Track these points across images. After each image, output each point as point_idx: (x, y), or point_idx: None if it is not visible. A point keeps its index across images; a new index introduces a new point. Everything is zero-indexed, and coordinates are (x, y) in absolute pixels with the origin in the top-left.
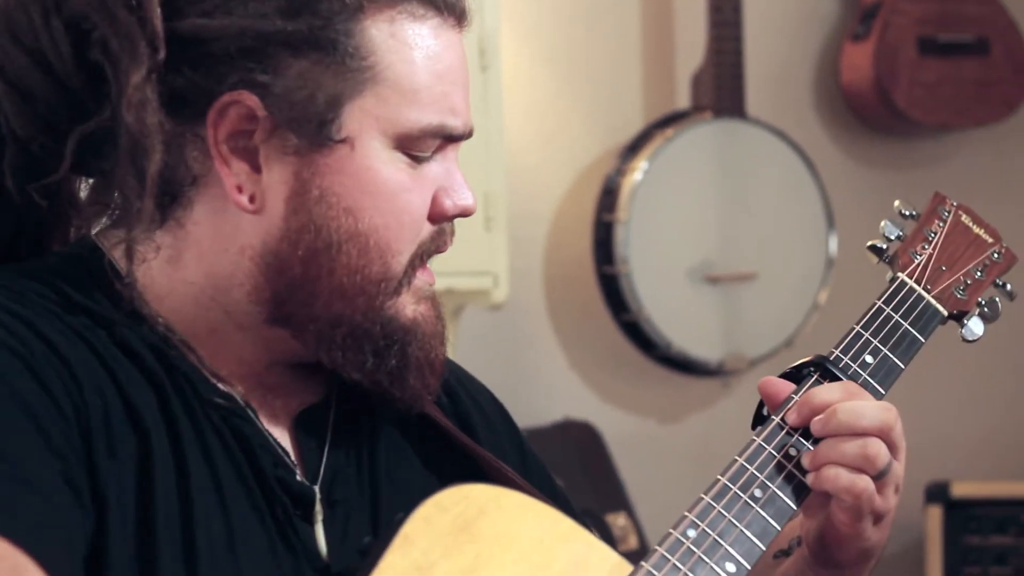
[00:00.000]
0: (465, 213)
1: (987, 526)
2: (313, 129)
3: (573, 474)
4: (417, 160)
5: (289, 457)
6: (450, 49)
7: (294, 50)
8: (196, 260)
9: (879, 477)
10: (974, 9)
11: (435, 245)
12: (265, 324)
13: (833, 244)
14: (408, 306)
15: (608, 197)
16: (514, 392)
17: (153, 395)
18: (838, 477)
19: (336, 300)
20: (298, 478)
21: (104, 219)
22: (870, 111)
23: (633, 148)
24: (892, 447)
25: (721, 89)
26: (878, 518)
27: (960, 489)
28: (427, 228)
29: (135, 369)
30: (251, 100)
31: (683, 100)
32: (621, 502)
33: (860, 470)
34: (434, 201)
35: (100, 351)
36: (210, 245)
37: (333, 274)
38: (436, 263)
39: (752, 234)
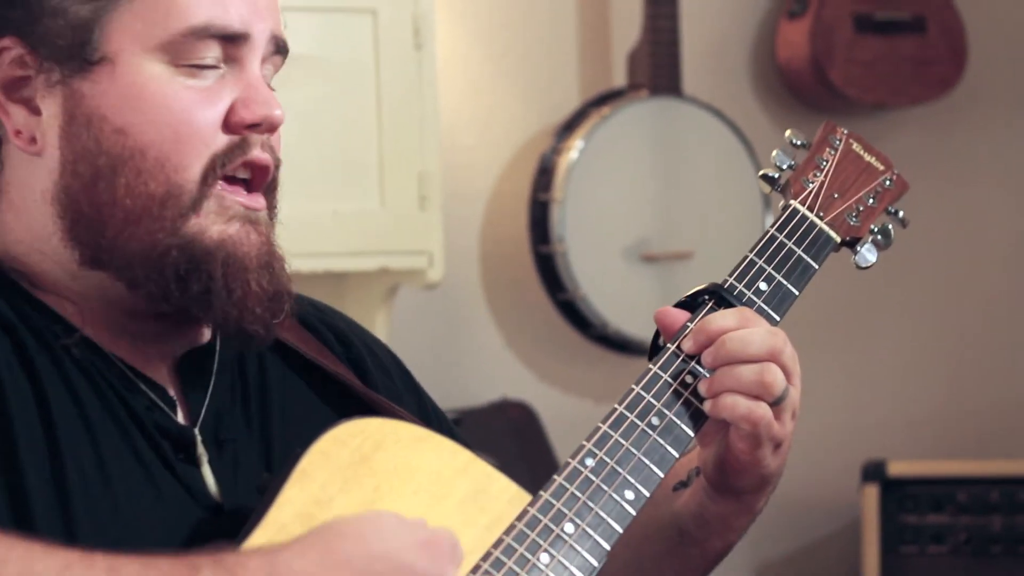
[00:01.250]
0: (268, 121)
1: (924, 505)
2: (72, 55)
3: (510, 454)
4: (200, 69)
5: (168, 400)
6: None
7: None
8: (15, 216)
9: (776, 403)
10: None
11: (235, 156)
12: (86, 268)
13: (769, 221)
14: (213, 227)
15: (544, 176)
16: (450, 372)
17: (8, 340)
18: (736, 405)
19: (128, 226)
20: (179, 420)
21: None
22: (806, 89)
23: (569, 127)
24: (786, 372)
25: (657, 67)
26: (776, 445)
27: (897, 468)
28: (222, 139)
29: None
30: (12, 42)
31: (619, 78)
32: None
33: (757, 397)
34: (230, 112)
35: None
36: (20, 198)
37: (116, 198)
38: (370, 242)
39: (688, 213)
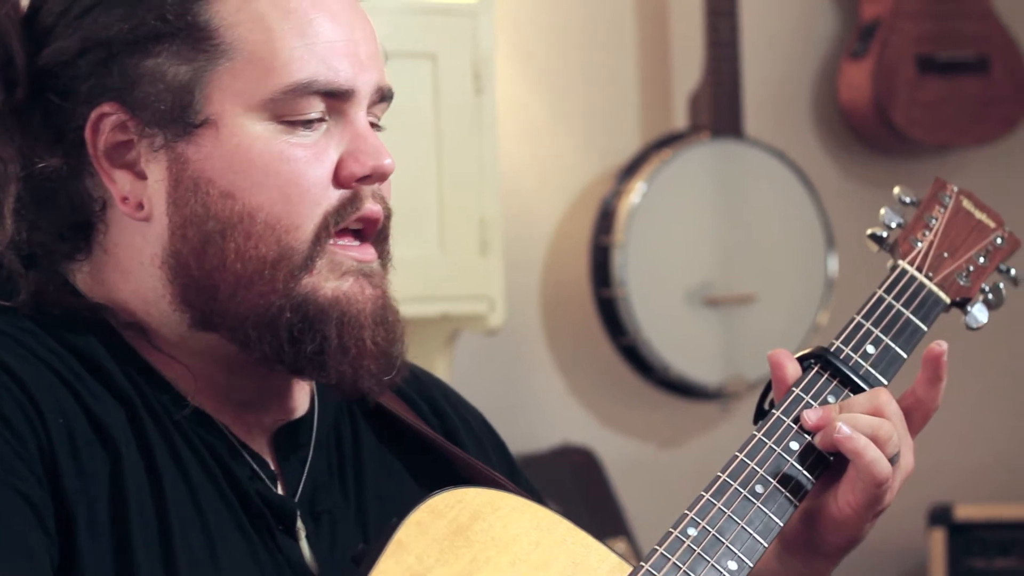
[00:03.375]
0: (379, 172)
1: (991, 549)
2: (174, 119)
3: (571, 499)
4: (304, 125)
5: (269, 471)
6: (324, 11)
7: (139, 47)
8: (123, 279)
9: (892, 461)
10: (973, 27)
11: (348, 212)
12: (196, 331)
13: (833, 264)
14: (326, 284)
15: (605, 220)
16: (511, 417)
17: (122, 410)
18: (868, 448)
19: (240, 290)
20: (278, 491)
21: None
22: (869, 130)
23: (630, 170)
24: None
25: (719, 109)
26: (881, 508)
27: (963, 512)
28: (333, 195)
29: (102, 386)
30: (112, 107)
31: (680, 121)
32: (620, 527)
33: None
34: (340, 166)
35: (63, 372)
36: (128, 262)
37: (226, 263)
38: (431, 288)
39: (751, 255)
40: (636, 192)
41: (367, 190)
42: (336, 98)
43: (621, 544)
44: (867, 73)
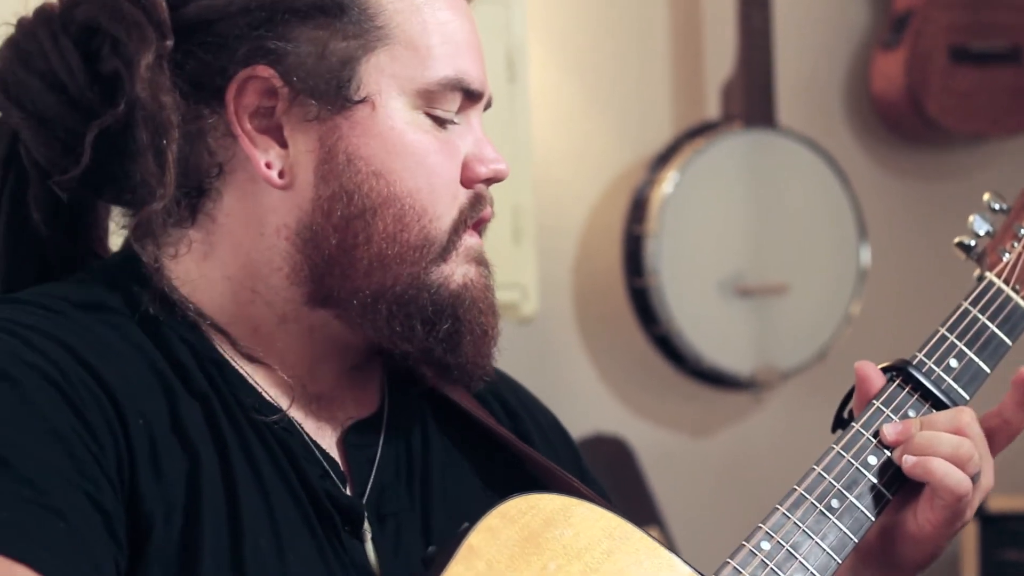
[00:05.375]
0: (498, 177)
1: (1023, 541)
2: (332, 92)
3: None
4: (441, 123)
5: (338, 471)
6: (457, 12)
7: (302, 16)
8: (232, 251)
9: (973, 480)
10: (1006, 17)
11: (476, 212)
12: (307, 307)
13: (865, 255)
14: (456, 272)
15: (637, 209)
16: None
17: (200, 409)
18: (948, 473)
19: (377, 269)
20: (346, 492)
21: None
22: (902, 120)
23: (663, 159)
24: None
25: (752, 99)
26: (960, 526)
27: (996, 503)
28: (464, 193)
29: (180, 383)
30: (267, 72)
31: (712, 110)
32: (653, 516)
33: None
34: (465, 167)
35: (146, 370)
36: (244, 233)
37: (371, 241)
38: None
39: (783, 245)
40: (669, 181)
41: (488, 194)
42: (470, 99)
43: (654, 533)
44: (900, 63)
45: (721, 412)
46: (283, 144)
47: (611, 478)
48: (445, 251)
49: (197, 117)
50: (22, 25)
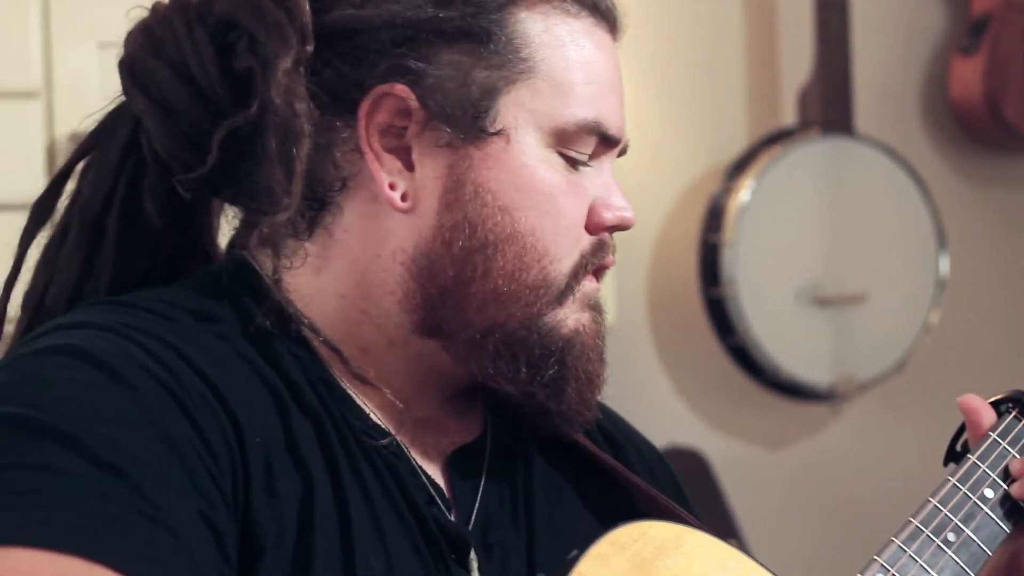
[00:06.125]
0: (624, 225)
1: None
2: (467, 121)
3: None
4: (574, 164)
5: (444, 497)
6: (604, 52)
7: (447, 39)
8: (347, 269)
9: None
10: None
11: (598, 258)
12: (415, 335)
13: (944, 264)
14: (570, 318)
15: (713, 217)
16: None
17: (311, 428)
18: None
19: (490, 306)
20: (452, 519)
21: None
22: (980, 127)
23: (739, 167)
24: None
25: (829, 105)
26: None
27: None
28: (587, 238)
29: (292, 400)
30: (404, 91)
31: (788, 117)
32: (729, 529)
33: None
34: (591, 211)
35: (262, 385)
36: (361, 252)
37: (488, 277)
38: None
39: (861, 254)
40: (745, 189)
41: (611, 241)
42: (605, 144)
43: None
44: (978, 68)
45: (798, 424)
46: (410, 167)
47: (688, 491)
48: (562, 295)
49: (328, 128)
50: (157, 11)
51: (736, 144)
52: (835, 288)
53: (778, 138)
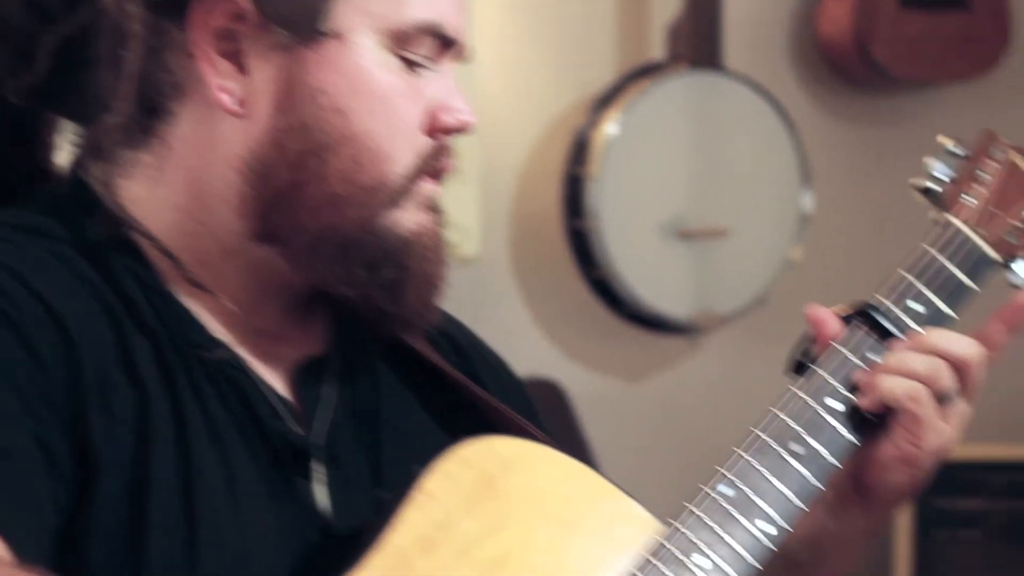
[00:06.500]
0: (463, 128)
1: (958, 489)
2: (302, 23)
3: None
4: (412, 66)
5: (288, 410)
6: None
7: None
8: (182, 178)
9: (941, 401)
10: None
11: (437, 161)
12: (252, 241)
13: (808, 201)
14: (407, 218)
15: (579, 150)
16: None
17: (148, 344)
18: (896, 384)
19: (326, 209)
20: (298, 432)
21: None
22: (848, 66)
23: (606, 101)
24: (967, 382)
25: (698, 40)
26: (940, 449)
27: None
28: (425, 141)
29: (128, 317)
30: None
31: (657, 51)
32: (587, 461)
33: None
34: (430, 115)
35: (98, 302)
36: (196, 159)
37: (323, 180)
38: None
39: (725, 189)
40: (612, 123)
41: (449, 143)
42: (444, 46)
43: None
44: (847, 7)
45: (658, 357)
46: (244, 71)
47: (546, 422)
48: (398, 196)
49: (161, 32)
50: None
51: (604, 77)
52: (699, 222)
53: (646, 72)
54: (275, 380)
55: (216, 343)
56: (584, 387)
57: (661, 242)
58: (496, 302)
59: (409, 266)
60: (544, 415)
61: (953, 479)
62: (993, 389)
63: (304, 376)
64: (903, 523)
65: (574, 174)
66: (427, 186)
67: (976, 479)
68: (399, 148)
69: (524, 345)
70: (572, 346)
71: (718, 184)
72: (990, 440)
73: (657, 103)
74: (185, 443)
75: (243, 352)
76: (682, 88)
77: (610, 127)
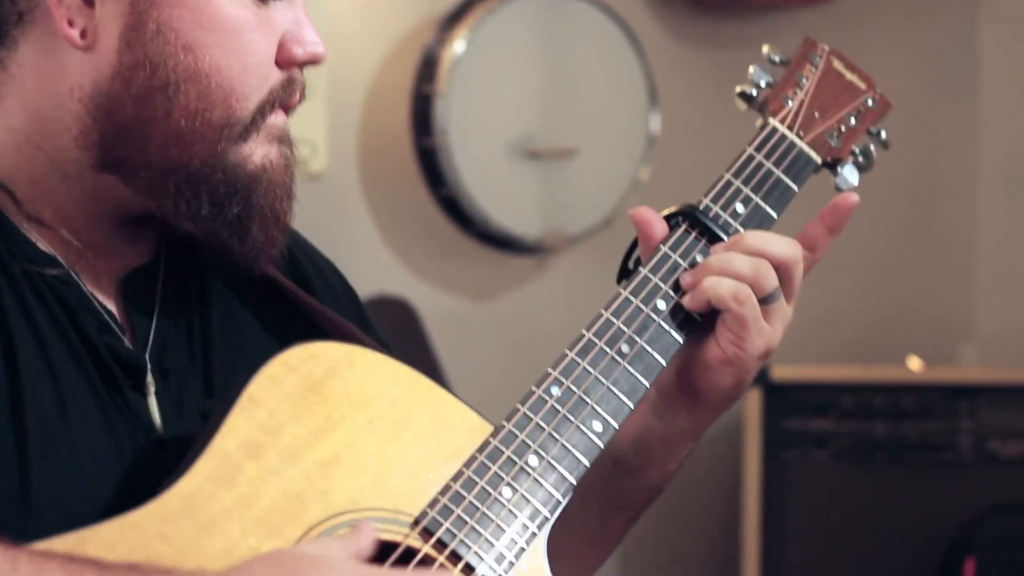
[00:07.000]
0: (315, 60)
1: (807, 410)
2: None
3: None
4: (263, 0)
5: (116, 323)
6: None
7: None
8: (20, 104)
9: (765, 301)
10: None
11: (287, 94)
12: (93, 170)
13: (655, 122)
14: (256, 153)
15: (427, 68)
16: None
17: None
18: (720, 284)
19: (172, 144)
20: (127, 345)
21: None
22: None
23: (454, 18)
24: (788, 281)
25: None
26: (763, 353)
27: (780, 372)
28: (276, 74)
29: None
30: None
31: None
32: (436, 379)
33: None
34: (281, 47)
35: None
36: (36, 88)
37: (170, 116)
38: None
39: (574, 109)
40: (460, 40)
41: (300, 78)
42: None
43: None
44: None
45: (506, 276)
46: (90, 3)
47: (396, 340)
48: (247, 131)
49: None
50: None
51: None
52: (547, 142)
53: None
54: (103, 294)
55: (49, 259)
56: (433, 306)
57: (510, 161)
58: (344, 219)
59: (255, 203)
60: (394, 333)
61: (802, 400)
62: (843, 311)
63: (130, 288)
64: (752, 444)
65: (422, 91)
66: (277, 119)
67: (825, 400)
68: (251, 83)
69: (373, 263)
70: (421, 264)
71: (566, 104)
72: (838, 362)
73: (505, 22)
74: (12, 359)
75: (73, 266)
76: (530, 7)
77: (458, 45)
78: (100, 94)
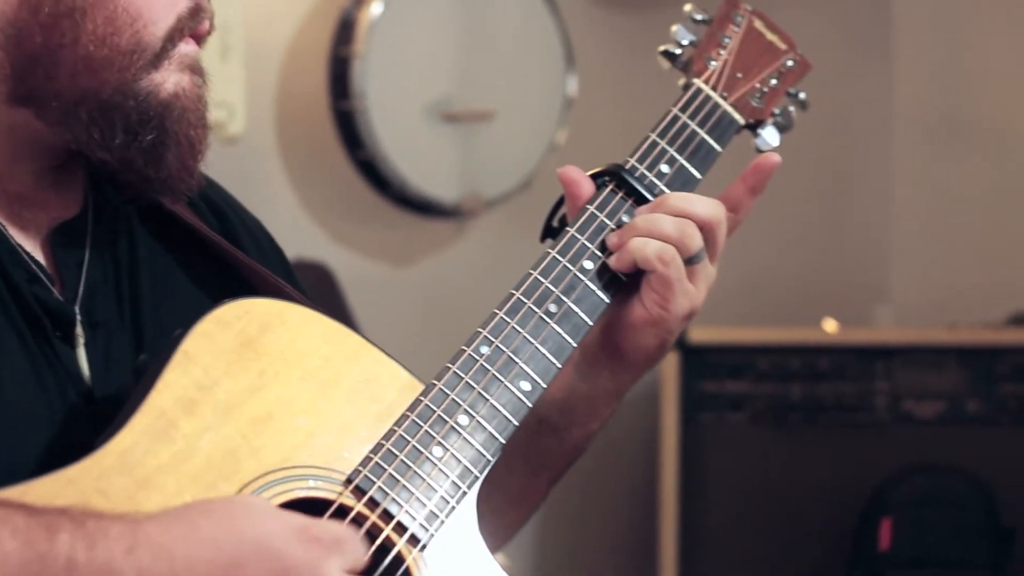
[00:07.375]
0: None
1: (723, 372)
2: None
3: None
4: None
5: (45, 275)
6: None
7: None
8: None
9: (690, 262)
10: None
11: (195, 21)
12: (5, 105)
13: (572, 84)
14: (168, 80)
15: (345, 30)
16: None
17: None
18: (646, 245)
19: (82, 72)
20: (56, 296)
21: None
22: None
23: None
24: (711, 242)
25: None
26: (688, 312)
27: (697, 335)
28: (183, 1)
29: None
30: None
31: None
32: None
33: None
34: None
35: None
36: None
37: (78, 43)
38: None
39: (491, 72)
40: (377, 2)
41: (208, 7)
42: None
43: None
44: None
45: (424, 240)
46: None
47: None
48: (158, 58)
49: None
50: None
51: None
52: (464, 105)
53: None
54: (31, 245)
55: None
56: (351, 270)
57: (427, 124)
58: (262, 182)
59: (170, 129)
60: (313, 297)
61: (719, 363)
62: (758, 274)
63: (59, 240)
64: (669, 406)
65: (340, 54)
66: (188, 47)
67: (741, 363)
68: (157, 9)
69: (291, 227)
70: (339, 229)
71: (483, 67)
72: (755, 324)
73: None
74: None
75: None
76: None
77: (375, 7)
78: (8, 24)
